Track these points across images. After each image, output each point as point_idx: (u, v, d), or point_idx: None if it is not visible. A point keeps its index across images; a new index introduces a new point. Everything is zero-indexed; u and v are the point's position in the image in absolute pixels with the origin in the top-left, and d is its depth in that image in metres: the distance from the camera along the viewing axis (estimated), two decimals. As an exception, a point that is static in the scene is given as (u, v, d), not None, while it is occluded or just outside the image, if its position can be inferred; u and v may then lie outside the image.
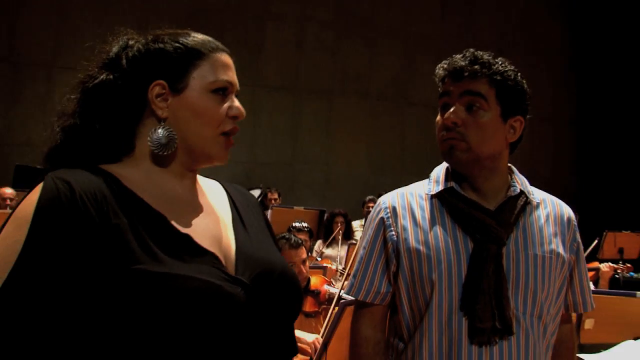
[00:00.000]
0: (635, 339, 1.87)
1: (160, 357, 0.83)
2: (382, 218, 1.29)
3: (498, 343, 1.17)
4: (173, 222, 0.91)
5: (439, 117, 1.27)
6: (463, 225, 1.22)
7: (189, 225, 0.94)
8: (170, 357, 0.84)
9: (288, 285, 0.98)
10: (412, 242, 1.24)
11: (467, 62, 1.23)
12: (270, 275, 0.96)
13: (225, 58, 1.00)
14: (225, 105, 0.97)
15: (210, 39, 1.00)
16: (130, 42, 0.99)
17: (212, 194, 1.06)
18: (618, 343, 1.84)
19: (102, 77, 0.95)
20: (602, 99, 8.99)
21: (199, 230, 0.94)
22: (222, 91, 0.97)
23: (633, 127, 8.56)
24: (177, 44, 0.96)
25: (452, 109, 1.22)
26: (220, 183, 1.10)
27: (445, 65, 1.26)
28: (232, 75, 1.00)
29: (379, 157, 8.51)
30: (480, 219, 1.21)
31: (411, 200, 1.29)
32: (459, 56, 1.26)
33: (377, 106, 8.38)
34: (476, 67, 1.21)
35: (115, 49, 0.98)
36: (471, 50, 1.26)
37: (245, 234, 1.02)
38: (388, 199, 1.31)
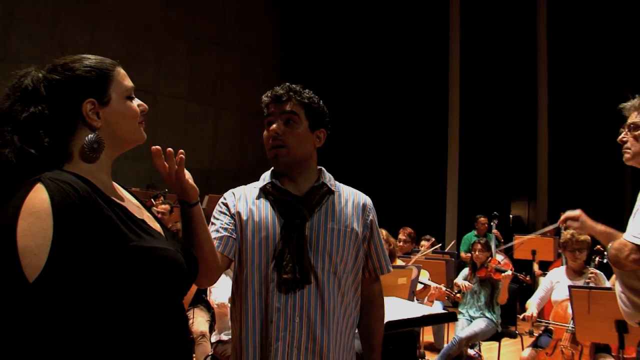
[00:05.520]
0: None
1: (146, 316, 1.09)
2: (226, 201, 1.72)
3: (300, 290, 1.59)
4: (130, 211, 1.17)
5: (265, 132, 1.69)
6: (278, 206, 1.66)
7: (135, 211, 1.20)
8: (154, 315, 1.11)
9: (195, 259, 1.31)
10: (243, 216, 1.66)
11: (284, 91, 1.67)
12: (187, 249, 1.29)
13: (122, 70, 1.25)
14: (136, 104, 1.25)
15: (102, 58, 1.23)
16: (39, 74, 1.17)
17: (117, 185, 1.29)
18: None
19: (31, 109, 1.12)
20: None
21: (144, 215, 1.24)
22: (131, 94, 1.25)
23: (342, 121, 9.70)
24: (89, 68, 1.18)
25: (275, 124, 1.66)
26: None
27: (269, 94, 1.69)
28: (130, 81, 1.25)
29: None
30: (289, 201, 1.65)
31: (247, 191, 1.73)
32: (278, 88, 1.69)
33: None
34: (291, 94, 1.67)
35: (27, 82, 1.15)
36: (287, 83, 1.70)
37: (156, 217, 1.33)
38: (232, 190, 1.75)
